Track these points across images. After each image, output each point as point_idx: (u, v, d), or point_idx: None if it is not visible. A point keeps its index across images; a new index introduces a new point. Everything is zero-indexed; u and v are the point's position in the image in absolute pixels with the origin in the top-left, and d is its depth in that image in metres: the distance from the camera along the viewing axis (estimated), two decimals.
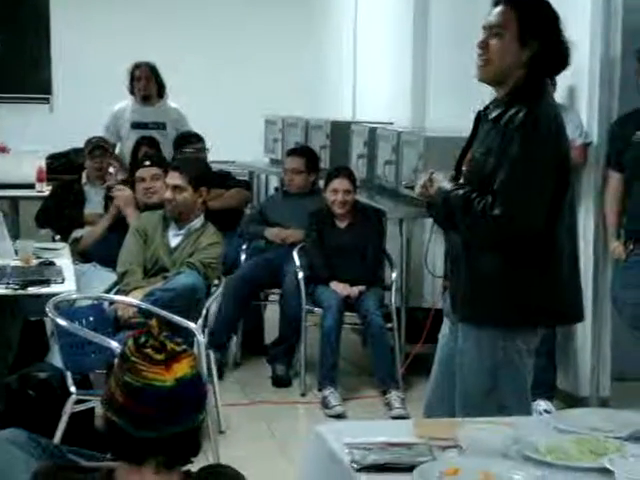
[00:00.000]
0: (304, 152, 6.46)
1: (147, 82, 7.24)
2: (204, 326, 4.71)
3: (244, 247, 6.27)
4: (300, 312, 5.65)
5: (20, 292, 4.42)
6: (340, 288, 5.60)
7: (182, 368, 2.02)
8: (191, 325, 4.44)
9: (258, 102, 8.74)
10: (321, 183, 6.19)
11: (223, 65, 9.16)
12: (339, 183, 5.76)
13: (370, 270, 5.74)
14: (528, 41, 2.99)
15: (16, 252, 5.03)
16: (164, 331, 2.08)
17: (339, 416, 5.19)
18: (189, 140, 6.89)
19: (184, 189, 5.02)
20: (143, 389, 2.00)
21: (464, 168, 3.13)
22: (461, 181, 3.11)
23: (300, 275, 5.69)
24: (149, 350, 2.02)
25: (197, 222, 5.08)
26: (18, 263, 4.84)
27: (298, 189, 6.28)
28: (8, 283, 4.44)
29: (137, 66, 7.27)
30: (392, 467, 2.43)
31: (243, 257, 6.23)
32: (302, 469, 2.75)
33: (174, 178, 5.05)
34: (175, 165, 5.40)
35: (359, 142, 6.65)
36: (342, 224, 5.81)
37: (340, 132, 7.02)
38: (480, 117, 3.14)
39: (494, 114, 3.03)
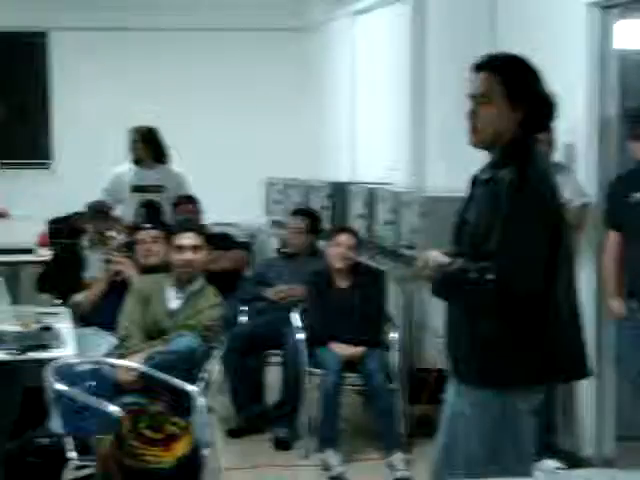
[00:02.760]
0: (307, 213, 6.48)
1: (139, 145, 7.33)
2: (205, 389, 4.67)
3: (244, 309, 6.25)
4: (301, 374, 5.62)
5: (19, 357, 4.40)
6: (340, 349, 5.57)
7: (181, 447, 2.00)
8: (191, 388, 4.41)
9: (258, 164, 8.81)
10: (321, 245, 6.19)
11: (224, 127, 9.24)
12: (342, 237, 5.78)
13: (372, 332, 5.71)
14: (517, 105, 3.01)
15: (16, 317, 5.01)
16: (161, 409, 2.06)
17: (340, 477, 5.14)
18: (185, 202, 6.98)
19: (201, 248, 5.07)
20: (143, 472, 1.97)
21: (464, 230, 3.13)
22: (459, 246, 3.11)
23: (300, 336, 5.67)
24: (147, 432, 2.00)
25: (197, 284, 5.08)
26: (17, 328, 4.82)
27: (299, 249, 6.29)
28: (7, 348, 4.42)
29: (131, 130, 7.38)
30: None
31: (243, 319, 6.21)
32: None
33: (192, 238, 5.08)
34: (188, 226, 5.41)
35: (358, 202, 6.68)
36: (343, 284, 5.80)
37: (340, 193, 7.06)
38: (475, 181, 3.15)
39: (486, 176, 3.04)
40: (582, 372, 3.15)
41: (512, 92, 3.00)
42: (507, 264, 2.87)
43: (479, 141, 3.06)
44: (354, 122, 8.24)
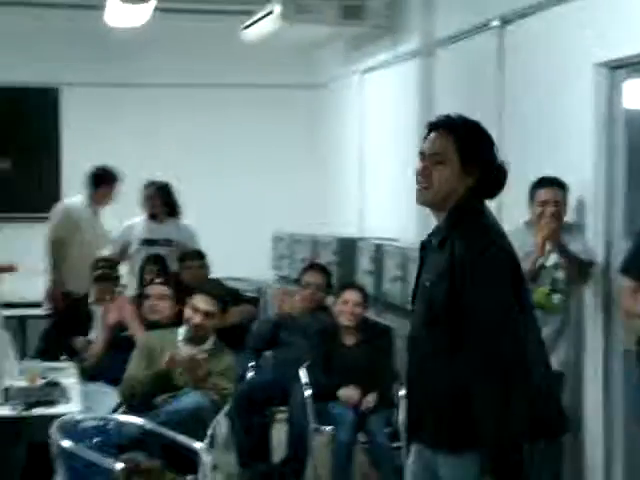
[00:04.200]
0: (322, 268, 6.47)
1: (153, 201, 7.40)
2: (211, 446, 4.65)
3: (252, 364, 6.23)
4: (308, 431, 5.58)
5: (25, 413, 4.38)
6: (349, 394, 5.54)
7: None
8: (197, 446, 4.39)
9: (267, 219, 8.84)
10: (329, 300, 6.18)
11: (233, 182, 9.26)
12: (350, 294, 5.77)
13: (380, 391, 5.67)
14: (469, 169, 3.00)
15: (22, 372, 5.01)
16: (157, 466, 2.05)
17: None
18: (191, 257, 7.01)
19: (214, 315, 5.07)
20: None
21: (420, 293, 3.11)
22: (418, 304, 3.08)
23: (307, 393, 5.64)
24: None
25: (209, 343, 5.08)
26: (23, 383, 4.81)
27: (316, 305, 6.24)
28: (13, 404, 4.41)
29: (146, 185, 7.44)
30: None
31: (250, 374, 6.18)
32: None
33: (206, 304, 5.07)
34: (206, 289, 5.38)
35: (366, 258, 6.68)
36: (349, 341, 5.78)
37: (347, 248, 7.07)
38: (425, 247, 3.15)
39: (437, 241, 3.03)
40: (559, 430, 3.12)
41: (466, 155, 3.00)
42: (496, 337, 2.83)
43: (429, 200, 3.05)
44: (362, 178, 8.28)
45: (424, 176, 3.01)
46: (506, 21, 5.79)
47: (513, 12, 5.69)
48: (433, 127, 3.07)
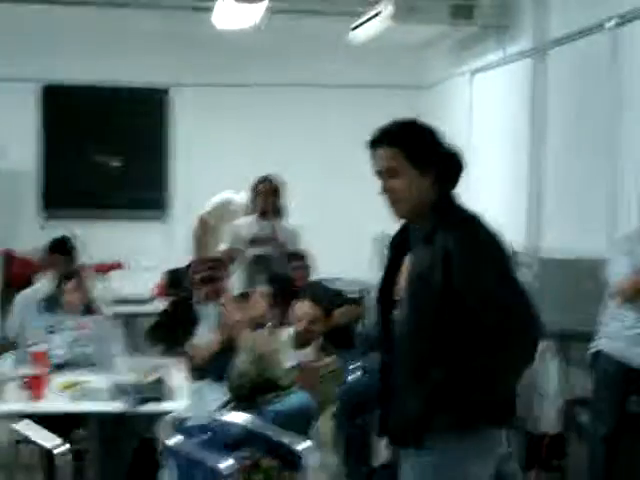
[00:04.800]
0: None
1: (266, 197, 7.27)
2: (316, 446, 4.65)
3: (358, 365, 6.20)
4: None
5: (135, 409, 4.45)
6: None
7: None
8: (302, 446, 4.39)
9: (367, 219, 8.79)
10: None
11: (336, 183, 9.29)
12: None
13: None
14: (424, 169, 3.01)
15: (131, 369, 5.08)
16: (275, 465, 2.04)
17: None
18: (294, 258, 6.97)
19: (318, 320, 5.09)
20: None
21: (398, 296, 3.07)
22: (398, 310, 3.04)
23: None
24: None
25: (314, 348, 5.10)
26: (134, 379, 4.88)
27: None
28: (124, 400, 4.48)
29: (261, 180, 7.31)
30: None
31: (354, 376, 6.16)
32: None
33: (310, 309, 5.10)
34: (310, 295, 5.40)
35: None
36: None
37: None
38: (397, 243, 3.15)
39: (422, 234, 3.00)
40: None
41: (416, 160, 3.01)
42: (511, 316, 2.83)
43: (403, 215, 3.08)
44: (469, 179, 8.17)
45: (389, 192, 3.05)
46: (621, 22, 5.67)
47: (628, 12, 5.56)
48: (374, 144, 3.08)
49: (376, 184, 8.82)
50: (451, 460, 2.90)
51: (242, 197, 7.56)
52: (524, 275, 5.73)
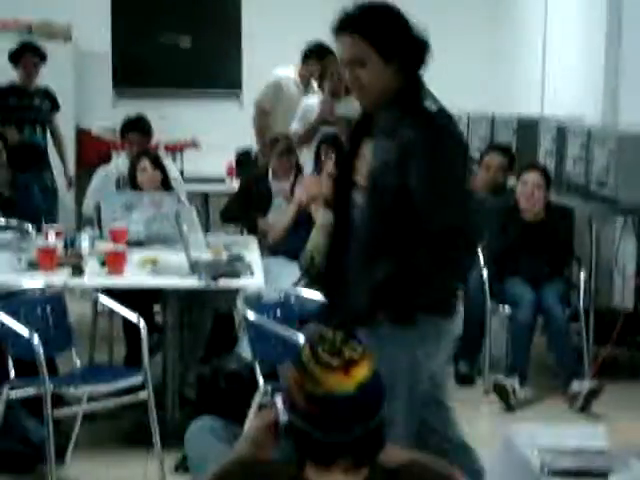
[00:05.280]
0: (504, 149, 6.35)
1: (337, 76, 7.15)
2: None
3: None
4: (484, 310, 5.59)
5: (212, 285, 4.53)
6: None
7: (362, 372, 2.00)
8: None
9: (444, 96, 8.66)
10: (511, 181, 6.08)
11: None
12: (531, 176, 5.67)
13: (555, 264, 5.62)
14: (389, 57, 2.92)
15: (207, 246, 5.16)
16: (340, 335, 2.08)
17: (521, 407, 5.17)
18: None
19: None
20: (325, 397, 2.00)
21: (361, 182, 3.02)
22: (359, 194, 3.01)
23: (484, 272, 5.62)
24: (326, 356, 2.02)
25: None
26: (209, 256, 4.96)
27: (497, 186, 6.14)
28: (200, 276, 4.56)
29: (336, 60, 7.17)
30: (585, 473, 2.37)
31: None
32: (491, 472, 2.72)
33: None
34: None
35: (547, 138, 6.51)
36: (529, 220, 5.70)
37: (527, 128, 6.89)
38: (358, 127, 3.09)
39: (384, 125, 2.96)
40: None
41: (381, 47, 2.92)
42: (456, 216, 2.86)
43: (368, 104, 3.01)
44: (545, 53, 8.00)
45: (354, 81, 2.97)
46: None
47: None
48: (339, 31, 2.97)
49: (454, 61, 8.65)
50: (395, 346, 2.91)
51: (291, 72, 7.44)
52: (601, 151, 5.64)
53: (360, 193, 3.00)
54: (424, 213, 2.85)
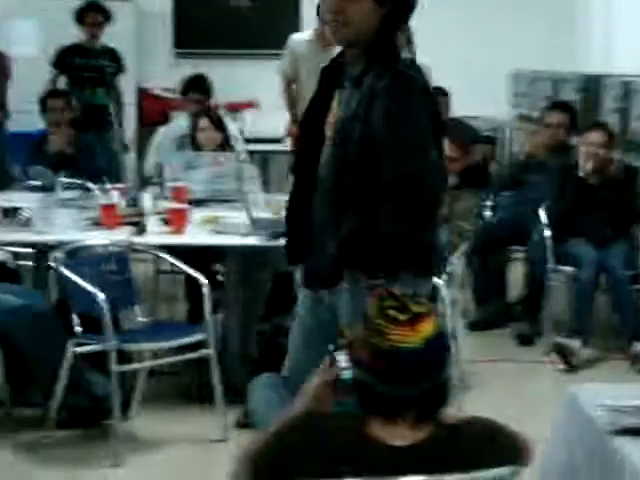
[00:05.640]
0: (566, 107, 6.24)
1: None
2: (449, 281, 4.69)
3: (490, 204, 6.17)
4: (546, 270, 5.54)
5: (271, 243, 4.54)
6: None
7: (427, 328, 2.03)
8: (437, 280, 4.44)
9: (504, 54, 8.57)
10: (573, 140, 6.00)
11: (467, 15, 9.02)
12: (594, 135, 5.58)
13: (619, 224, 5.55)
14: (385, 0, 2.83)
15: (267, 204, 5.17)
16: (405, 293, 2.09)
17: (583, 367, 5.16)
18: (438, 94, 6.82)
19: (457, 160, 5.04)
20: (391, 351, 2.01)
21: (329, 132, 2.93)
22: (327, 142, 2.92)
23: (547, 233, 5.57)
24: (392, 312, 2.03)
25: (451, 181, 5.06)
26: (269, 215, 4.97)
27: (559, 145, 6.06)
28: (260, 234, 4.57)
29: None
30: None
31: (488, 214, 6.14)
32: (554, 430, 2.71)
33: (450, 150, 5.02)
34: (450, 136, 5.32)
35: (612, 96, 6.41)
36: (592, 181, 5.62)
37: (591, 85, 6.80)
38: (327, 74, 3.00)
39: (352, 74, 2.88)
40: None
41: None
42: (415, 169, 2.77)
43: (343, 38, 2.90)
44: (609, 7, 7.85)
45: (339, 12, 2.86)
46: None
47: None
48: None
49: (512, 16, 8.48)
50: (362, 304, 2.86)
51: (304, 35, 7.29)
52: None
53: (327, 146, 2.95)
54: (383, 159, 2.78)
